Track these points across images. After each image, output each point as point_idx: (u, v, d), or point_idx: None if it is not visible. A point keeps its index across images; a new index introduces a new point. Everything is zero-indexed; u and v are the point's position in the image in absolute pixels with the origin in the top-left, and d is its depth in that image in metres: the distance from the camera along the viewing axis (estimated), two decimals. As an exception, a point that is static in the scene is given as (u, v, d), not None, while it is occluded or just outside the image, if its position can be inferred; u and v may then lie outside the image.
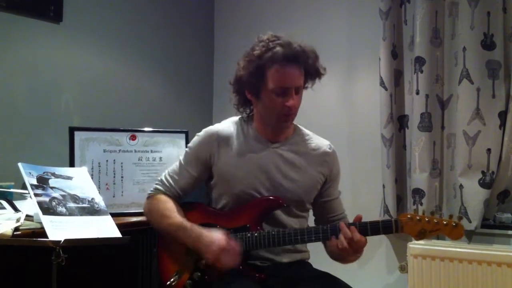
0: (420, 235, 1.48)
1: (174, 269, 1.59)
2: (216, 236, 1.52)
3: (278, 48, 1.52)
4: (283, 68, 1.52)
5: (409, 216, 1.48)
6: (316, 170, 1.67)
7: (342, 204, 1.77)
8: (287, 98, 1.55)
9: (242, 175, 1.62)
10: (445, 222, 1.47)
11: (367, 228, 1.49)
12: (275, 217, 1.62)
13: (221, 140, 1.66)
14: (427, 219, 1.47)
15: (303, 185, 1.65)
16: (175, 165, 1.73)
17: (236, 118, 1.73)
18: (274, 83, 1.54)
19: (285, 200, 1.59)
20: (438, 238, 2.29)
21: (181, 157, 1.72)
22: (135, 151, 2.10)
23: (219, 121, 1.77)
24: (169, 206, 1.65)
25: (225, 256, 1.49)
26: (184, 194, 1.71)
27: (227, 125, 1.70)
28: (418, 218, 1.48)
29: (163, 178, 1.72)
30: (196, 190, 1.77)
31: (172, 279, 1.53)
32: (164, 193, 1.69)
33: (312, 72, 1.61)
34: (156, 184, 1.73)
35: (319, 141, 1.73)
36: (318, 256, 1.70)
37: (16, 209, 1.71)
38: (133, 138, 2.10)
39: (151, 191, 1.73)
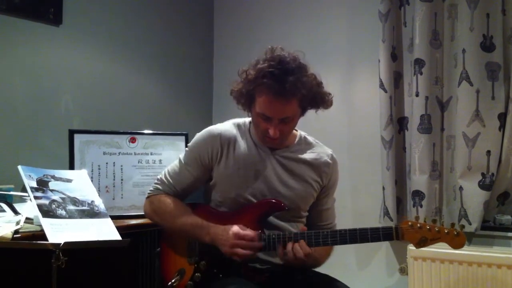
0: (421, 243, 1.46)
1: (176, 270, 1.59)
2: (229, 226, 1.53)
3: (267, 80, 1.48)
4: (269, 99, 1.50)
5: (410, 223, 1.47)
6: (314, 180, 1.66)
7: (334, 214, 1.77)
8: (269, 125, 1.54)
9: (240, 179, 1.62)
10: (446, 231, 1.45)
11: (368, 234, 1.48)
12: (270, 221, 1.61)
13: (224, 142, 1.64)
14: (428, 227, 1.45)
15: (300, 193, 1.64)
16: (174, 164, 1.71)
17: (237, 120, 1.71)
18: (259, 108, 1.53)
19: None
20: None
21: (181, 156, 1.70)
22: (135, 154, 2.10)
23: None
24: (176, 205, 1.65)
25: (239, 245, 1.49)
26: (185, 193, 1.71)
27: (230, 127, 1.68)
28: (419, 225, 1.46)
29: (163, 178, 1.71)
30: (197, 190, 1.76)
31: (173, 280, 1.53)
32: (166, 193, 1.68)
33: (312, 103, 1.58)
34: (156, 183, 1.72)
35: (321, 150, 1.71)
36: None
37: (16, 212, 1.72)
38: (133, 140, 2.10)
39: (151, 190, 1.72)
